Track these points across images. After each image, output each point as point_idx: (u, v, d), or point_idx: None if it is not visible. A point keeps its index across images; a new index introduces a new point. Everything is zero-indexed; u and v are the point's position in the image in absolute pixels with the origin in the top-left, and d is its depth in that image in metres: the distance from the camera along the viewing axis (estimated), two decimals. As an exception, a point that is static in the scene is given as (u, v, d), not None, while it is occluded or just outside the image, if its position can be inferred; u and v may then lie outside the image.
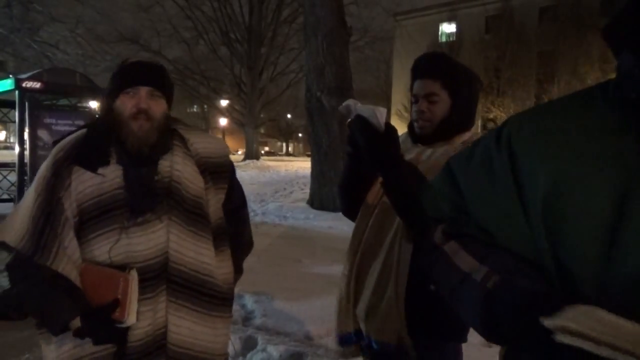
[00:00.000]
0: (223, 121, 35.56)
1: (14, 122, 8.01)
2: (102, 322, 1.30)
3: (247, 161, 27.73)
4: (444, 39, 33.56)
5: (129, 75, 1.42)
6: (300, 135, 65.40)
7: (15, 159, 7.75)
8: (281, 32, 29.05)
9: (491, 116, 27.22)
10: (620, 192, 0.67)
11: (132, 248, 1.35)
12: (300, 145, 71.25)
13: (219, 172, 1.53)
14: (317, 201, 9.84)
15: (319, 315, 3.77)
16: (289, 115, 58.10)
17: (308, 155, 20.63)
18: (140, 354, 1.35)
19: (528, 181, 0.77)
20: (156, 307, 1.37)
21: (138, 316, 1.33)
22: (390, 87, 38.07)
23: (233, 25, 28.60)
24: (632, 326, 0.59)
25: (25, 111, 7.27)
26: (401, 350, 1.44)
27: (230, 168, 1.59)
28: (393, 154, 1.37)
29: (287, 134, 63.88)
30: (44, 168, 1.39)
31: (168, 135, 1.47)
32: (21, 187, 7.48)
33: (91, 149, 1.41)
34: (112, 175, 1.38)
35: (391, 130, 1.38)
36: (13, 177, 8.55)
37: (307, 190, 10.88)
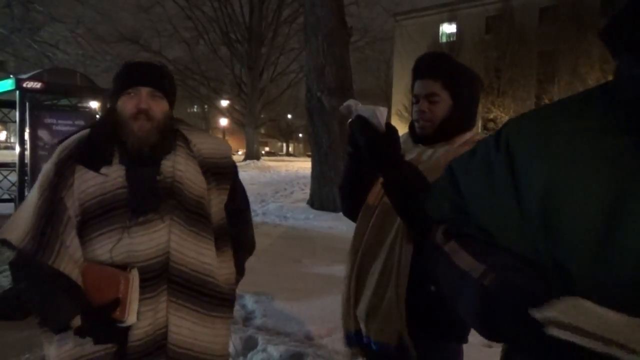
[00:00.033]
0: (223, 121, 35.59)
1: (15, 122, 8.01)
2: (103, 321, 1.31)
3: (248, 161, 27.74)
4: (444, 39, 33.58)
5: (130, 76, 1.43)
6: (300, 135, 65.42)
7: (16, 159, 7.75)
8: (282, 32, 29.08)
9: (491, 116, 27.22)
10: (614, 193, 0.68)
11: (134, 247, 1.36)
12: (301, 145, 71.28)
13: (222, 172, 1.54)
14: (317, 201, 9.84)
15: (319, 315, 3.77)
16: (289, 116, 58.14)
17: (308, 156, 20.64)
18: (141, 353, 1.35)
19: (525, 181, 0.78)
20: (157, 307, 1.37)
21: (138, 316, 1.33)
22: (390, 87, 38.09)
23: (233, 26, 28.63)
24: (616, 316, 0.61)
25: (25, 111, 7.27)
26: (401, 351, 1.44)
27: (232, 169, 1.59)
28: (393, 155, 1.37)
29: (287, 134, 63.88)
30: (47, 167, 1.41)
31: (170, 135, 1.47)
32: (22, 187, 7.48)
33: (94, 148, 1.42)
34: (114, 174, 1.39)
35: (392, 130, 1.38)
36: (14, 177, 8.55)
37: (308, 191, 10.88)
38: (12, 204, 8.25)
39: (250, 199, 1.77)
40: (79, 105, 8.57)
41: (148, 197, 1.39)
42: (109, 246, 1.35)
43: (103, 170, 1.39)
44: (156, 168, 1.43)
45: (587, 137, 0.74)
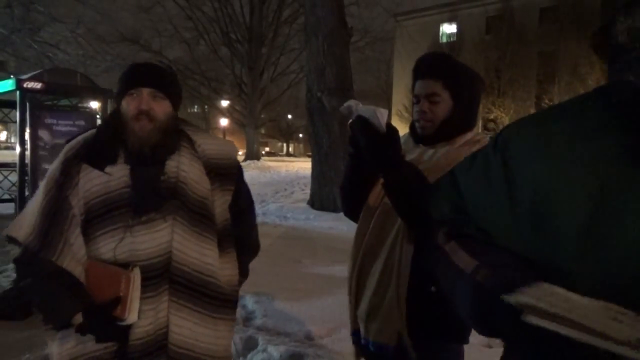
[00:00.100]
0: (224, 121, 35.53)
1: (15, 122, 8.01)
2: (103, 319, 1.31)
3: (248, 162, 27.72)
4: (444, 40, 33.58)
5: (132, 77, 1.44)
6: (300, 135, 65.42)
7: (16, 159, 7.75)
8: (282, 33, 29.09)
9: (492, 117, 27.22)
10: (599, 193, 0.71)
11: (136, 246, 1.37)
12: (301, 145, 71.28)
13: (226, 173, 1.55)
14: (317, 202, 9.84)
15: (320, 315, 3.77)
16: (289, 116, 58.15)
17: (308, 156, 20.64)
18: (141, 353, 1.35)
19: (518, 182, 0.81)
20: (158, 307, 1.38)
21: (139, 315, 1.34)
22: (390, 87, 38.09)
23: (234, 26, 28.62)
24: (582, 300, 0.64)
25: (26, 111, 7.27)
26: (400, 352, 1.43)
27: (237, 170, 1.59)
28: (394, 155, 1.37)
29: (287, 135, 63.89)
30: (54, 166, 1.43)
31: (174, 136, 1.48)
32: (22, 187, 7.48)
33: (99, 148, 1.43)
34: (119, 174, 1.41)
35: (392, 131, 1.38)
36: (14, 177, 8.55)
37: (308, 191, 10.88)
38: (12, 204, 8.26)
39: (251, 199, 1.77)
40: (80, 105, 8.58)
41: (150, 197, 1.40)
42: (112, 245, 1.37)
43: (108, 169, 1.41)
44: (160, 168, 1.44)
45: (577, 139, 0.76)
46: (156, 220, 1.39)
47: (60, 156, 1.44)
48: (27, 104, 7.26)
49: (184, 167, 1.45)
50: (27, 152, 7.40)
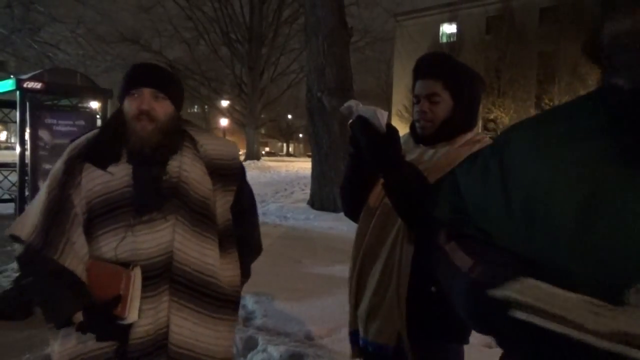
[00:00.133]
0: (224, 122, 35.51)
1: (15, 122, 8.01)
2: (103, 318, 1.32)
3: (248, 162, 27.71)
4: (444, 40, 33.57)
5: (134, 77, 1.45)
6: (300, 135, 65.42)
7: (16, 159, 7.75)
8: (282, 33, 29.08)
9: (492, 117, 27.22)
10: (592, 193, 0.72)
11: (137, 246, 1.37)
12: (301, 145, 71.27)
13: (228, 174, 1.55)
14: (317, 202, 9.84)
15: (320, 315, 3.78)
16: (289, 116, 58.15)
17: (309, 156, 20.64)
18: (141, 352, 1.36)
19: (515, 183, 0.83)
20: (158, 307, 1.38)
21: (139, 314, 1.34)
22: (390, 87, 38.09)
23: (234, 26, 28.63)
24: (565, 294, 0.66)
25: (26, 111, 7.26)
26: (399, 353, 1.43)
27: (239, 170, 1.60)
28: (394, 155, 1.37)
29: (287, 135, 63.90)
30: (57, 166, 1.44)
31: (177, 136, 1.49)
32: (22, 187, 7.47)
33: (102, 147, 1.44)
34: (121, 173, 1.41)
35: (392, 131, 1.38)
36: (14, 177, 8.55)
37: (308, 191, 10.88)
38: (12, 204, 8.26)
39: (252, 199, 1.77)
40: (80, 105, 8.57)
41: (152, 196, 1.41)
42: (114, 244, 1.37)
43: (110, 169, 1.41)
44: (162, 168, 1.44)
45: (575, 139, 0.78)
46: (157, 219, 1.40)
47: (64, 155, 1.45)
48: (27, 104, 7.25)
49: (185, 167, 1.46)
50: (27, 152, 7.39)
